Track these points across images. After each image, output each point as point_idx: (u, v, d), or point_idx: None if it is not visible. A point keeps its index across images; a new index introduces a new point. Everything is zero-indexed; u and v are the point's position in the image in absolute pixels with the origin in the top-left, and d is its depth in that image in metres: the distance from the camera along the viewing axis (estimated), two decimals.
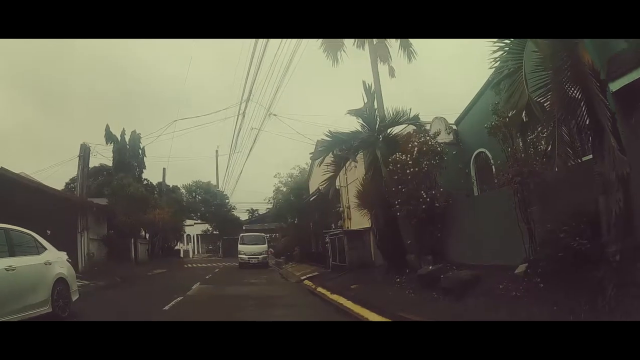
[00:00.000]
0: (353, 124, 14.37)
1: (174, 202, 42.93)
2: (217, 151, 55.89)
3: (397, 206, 12.26)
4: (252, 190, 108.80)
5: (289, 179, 35.17)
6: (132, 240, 29.80)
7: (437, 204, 12.09)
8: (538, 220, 8.64)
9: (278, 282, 20.19)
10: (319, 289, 14.47)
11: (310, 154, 14.36)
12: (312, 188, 26.66)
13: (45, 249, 9.86)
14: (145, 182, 43.12)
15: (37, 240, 9.79)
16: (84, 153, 24.42)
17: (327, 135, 14.02)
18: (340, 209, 21.86)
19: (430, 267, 10.68)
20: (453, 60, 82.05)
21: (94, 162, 37.60)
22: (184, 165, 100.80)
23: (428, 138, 12.95)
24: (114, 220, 25.77)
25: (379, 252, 15.32)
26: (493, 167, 13.23)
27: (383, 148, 13.12)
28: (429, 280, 10.12)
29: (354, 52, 17.64)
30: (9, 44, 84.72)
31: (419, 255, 12.24)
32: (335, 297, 12.20)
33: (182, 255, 49.95)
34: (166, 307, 11.77)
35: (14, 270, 8.13)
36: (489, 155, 13.74)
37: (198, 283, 18.86)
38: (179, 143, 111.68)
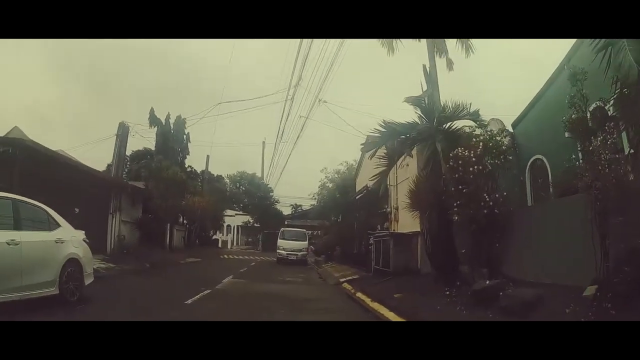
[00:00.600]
0: (407, 117, 12.65)
1: (216, 190, 42.45)
2: (264, 142, 55.21)
3: (456, 209, 10.71)
4: (297, 184, 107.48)
5: (336, 175, 34.05)
6: (168, 225, 29.10)
7: (497, 210, 10.56)
8: (616, 235, 7.16)
9: (315, 283, 18.96)
10: (359, 295, 13.13)
11: (361, 145, 12.82)
12: (359, 186, 25.35)
13: (59, 225, 9.06)
14: (188, 169, 42.59)
15: (51, 216, 9.01)
16: (122, 132, 23.95)
17: (381, 126, 12.43)
18: (388, 209, 20.34)
19: (487, 282, 9.09)
20: (508, 60, 79.20)
21: (137, 146, 37.69)
22: (228, 154, 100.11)
23: (495, 133, 11.44)
24: (150, 204, 24.96)
25: (426, 259, 13.82)
26: (550, 175, 12.26)
27: (443, 142, 11.45)
28: (485, 296, 8.63)
29: (409, 44, 16.09)
30: None
31: (472, 267, 10.67)
32: (375, 305, 10.84)
33: (220, 245, 49.85)
34: (189, 301, 10.70)
35: (17, 245, 7.36)
36: (547, 163, 12.76)
37: (230, 276, 17.93)
38: (223, 131, 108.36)
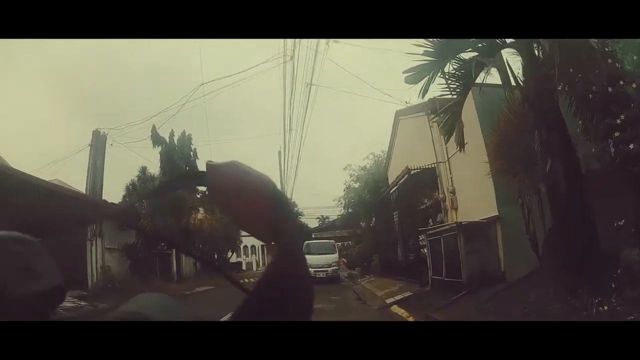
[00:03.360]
0: None
1: None
2: (279, 152, 51.07)
3: (611, 141, 5.37)
4: (320, 195, 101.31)
5: (362, 172, 28.97)
6: (174, 251, 24.59)
7: None
8: None
9: (352, 309, 13.62)
10: None
11: (405, 73, 7.61)
12: (393, 177, 20.30)
13: None
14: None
15: None
16: (97, 142, 19.45)
17: (429, 41, 7.32)
18: (441, 195, 15.05)
19: None
20: None
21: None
22: (237, 156, 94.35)
23: None
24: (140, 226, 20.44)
25: (514, 256, 8.82)
26: None
27: None
28: None
29: None
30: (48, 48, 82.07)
31: None
32: None
33: (244, 267, 46.15)
34: None
35: None
36: None
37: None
38: (222, 129, 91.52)
